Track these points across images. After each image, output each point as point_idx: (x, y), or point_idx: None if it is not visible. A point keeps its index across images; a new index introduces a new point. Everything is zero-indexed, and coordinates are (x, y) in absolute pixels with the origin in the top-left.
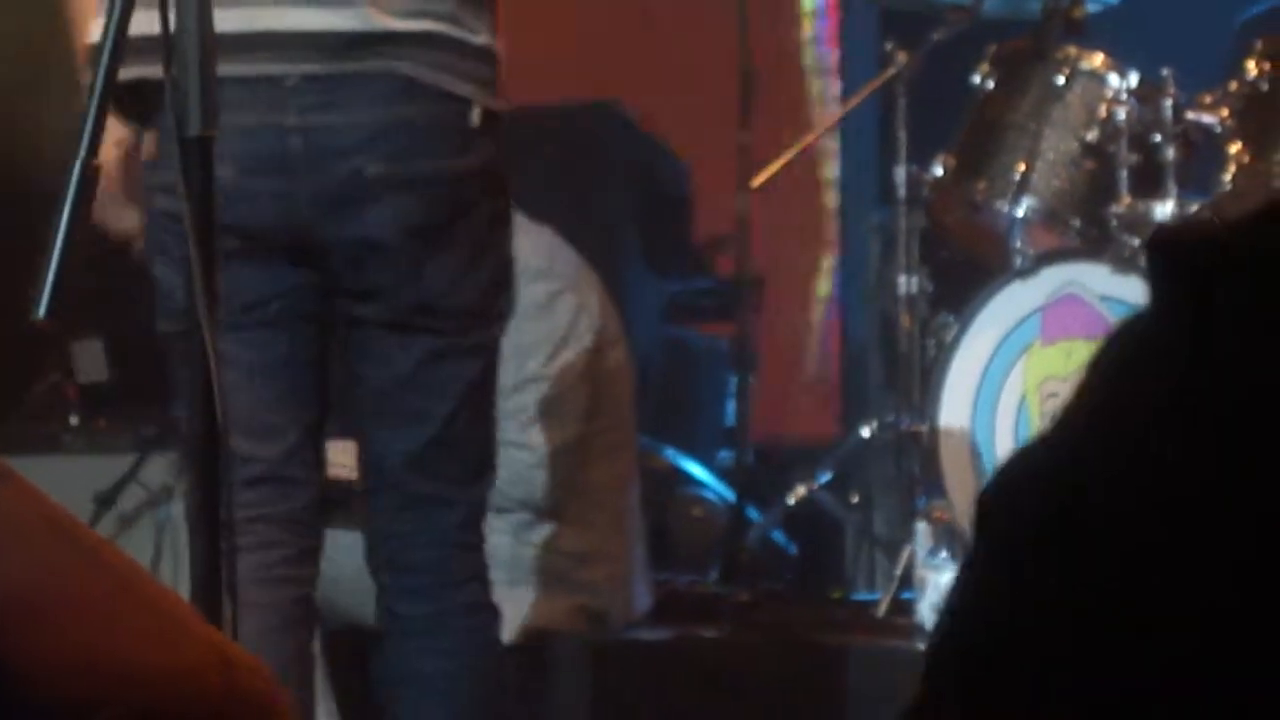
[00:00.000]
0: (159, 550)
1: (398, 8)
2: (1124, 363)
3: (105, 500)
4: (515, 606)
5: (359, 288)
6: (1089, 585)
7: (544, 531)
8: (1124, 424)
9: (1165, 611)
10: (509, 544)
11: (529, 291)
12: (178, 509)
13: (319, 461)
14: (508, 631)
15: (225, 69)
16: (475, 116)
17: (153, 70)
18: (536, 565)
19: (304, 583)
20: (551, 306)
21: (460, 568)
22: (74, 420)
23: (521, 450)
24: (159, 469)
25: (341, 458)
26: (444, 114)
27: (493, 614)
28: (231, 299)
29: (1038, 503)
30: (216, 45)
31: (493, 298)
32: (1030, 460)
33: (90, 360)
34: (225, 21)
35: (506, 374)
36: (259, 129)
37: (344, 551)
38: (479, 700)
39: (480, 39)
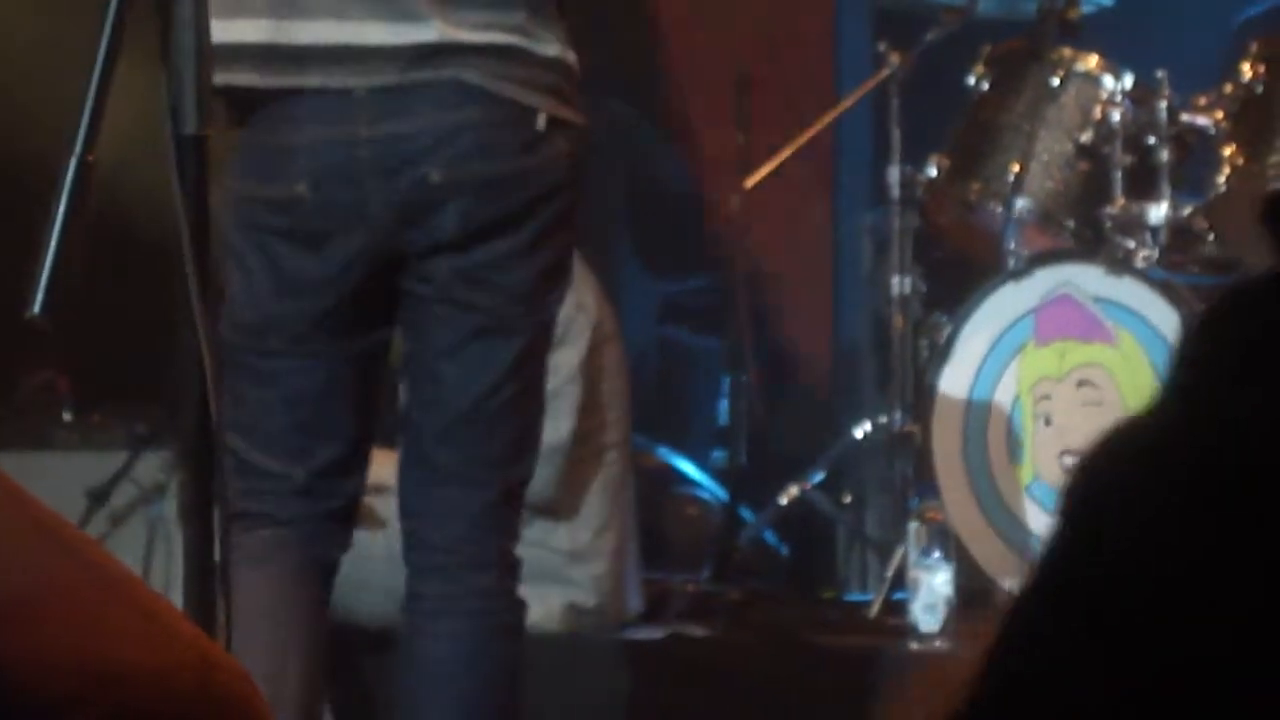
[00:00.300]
0: (151, 548)
1: (468, 21)
2: (1242, 329)
3: (98, 497)
4: None
5: (421, 274)
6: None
7: (538, 529)
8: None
9: None
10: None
11: None
12: (170, 506)
13: (359, 471)
14: None
15: (297, 81)
16: (540, 121)
17: (242, 77)
18: (529, 563)
19: (322, 586)
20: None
21: (481, 551)
22: (67, 416)
23: None
24: (152, 466)
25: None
26: (506, 118)
27: (512, 602)
28: (287, 322)
29: (1195, 462)
30: (211, 43)
31: (545, 286)
32: (1164, 426)
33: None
34: (302, 33)
35: None
36: (329, 142)
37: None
38: (484, 688)
39: (550, 50)
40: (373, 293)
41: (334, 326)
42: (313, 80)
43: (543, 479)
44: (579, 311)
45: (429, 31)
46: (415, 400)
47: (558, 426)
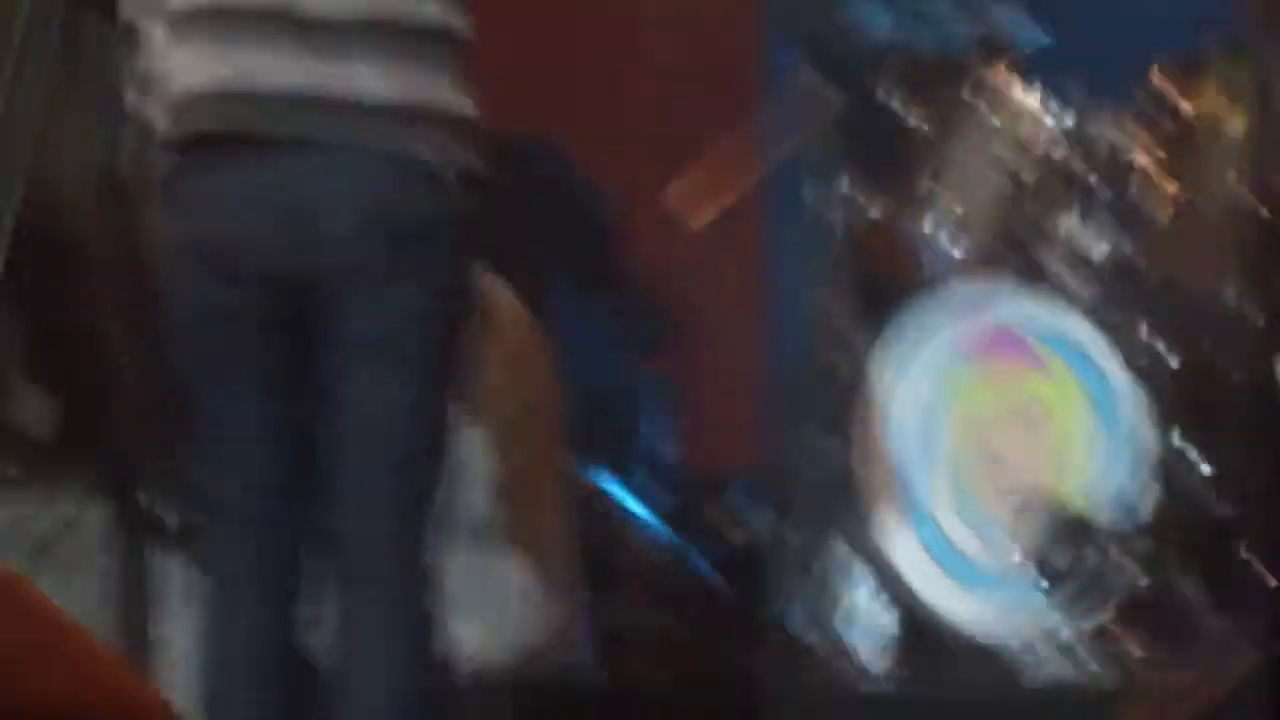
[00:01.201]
0: (103, 599)
1: (387, 82)
2: None
3: (43, 548)
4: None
5: (334, 331)
6: None
7: (483, 559)
8: None
9: None
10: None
11: None
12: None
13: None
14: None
15: (223, 125)
16: (450, 176)
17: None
18: (475, 596)
19: (289, 617)
20: (487, 336)
21: (404, 569)
22: (12, 472)
23: (463, 472)
24: (100, 518)
25: None
26: (423, 182)
27: (430, 620)
28: (234, 355)
29: None
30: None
31: (455, 336)
32: None
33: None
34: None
35: None
36: (250, 186)
37: None
38: (407, 704)
39: (461, 109)
40: (286, 343)
41: (254, 375)
42: (233, 125)
43: (491, 507)
44: (503, 338)
45: (348, 88)
46: (322, 427)
47: (507, 455)
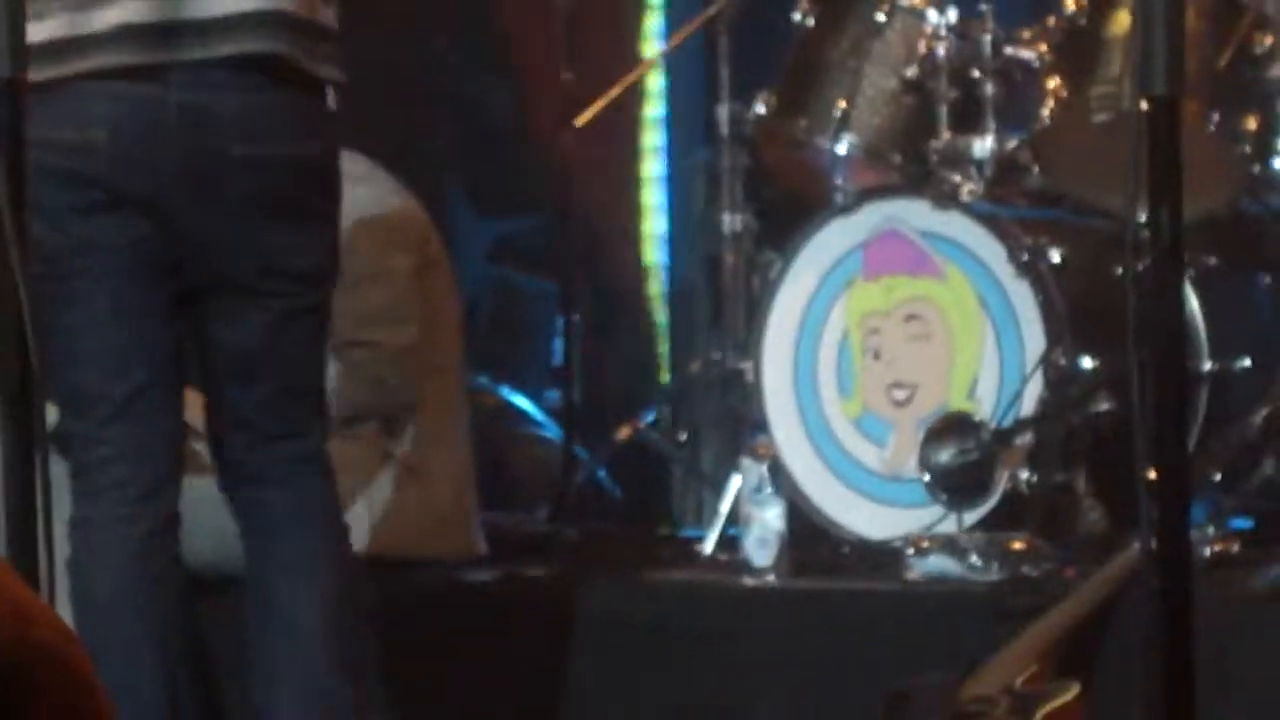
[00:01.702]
0: None
1: None
2: None
3: None
4: (358, 523)
5: (212, 256)
6: None
7: (390, 444)
8: None
9: None
10: (356, 452)
11: (352, 192)
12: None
13: (174, 405)
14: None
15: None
16: (331, 99)
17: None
18: (383, 479)
19: (158, 519)
20: (378, 207)
21: (310, 497)
22: None
23: (368, 349)
24: None
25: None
26: (304, 98)
27: (345, 530)
28: (91, 247)
29: None
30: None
31: (330, 262)
32: None
33: None
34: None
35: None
36: (135, 99)
37: (201, 498)
38: (343, 613)
39: (329, 19)
40: (156, 247)
41: (116, 264)
42: (125, 57)
43: (396, 384)
44: (409, 223)
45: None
46: (225, 380)
47: (404, 331)
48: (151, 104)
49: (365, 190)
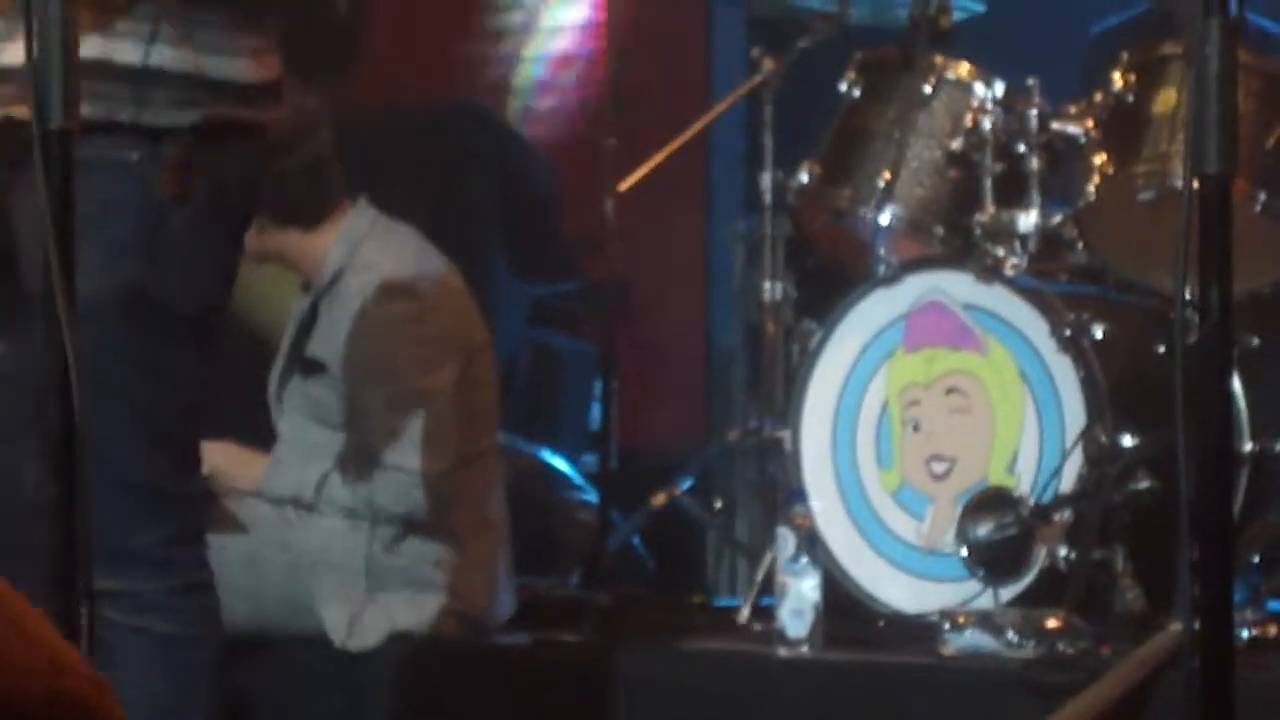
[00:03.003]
0: None
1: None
2: None
3: None
4: (382, 611)
5: None
6: None
7: (414, 543)
8: None
9: None
10: (379, 554)
11: (395, 307)
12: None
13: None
14: (374, 635)
15: None
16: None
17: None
18: (405, 573)
19: None
20: (421, 324)
21: (181, 555)
22: None
23: (401, 473)
24: None
25: (217, 458)
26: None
27: (213, 595)
28: None
29: None
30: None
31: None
32: None
33: None
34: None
35: (376, 393)
36: None
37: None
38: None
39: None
40: None
41: None
42: None
43: (427, 499)
44: (454, 329)
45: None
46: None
47: (441, 449)
48: None
49: (406, 305)
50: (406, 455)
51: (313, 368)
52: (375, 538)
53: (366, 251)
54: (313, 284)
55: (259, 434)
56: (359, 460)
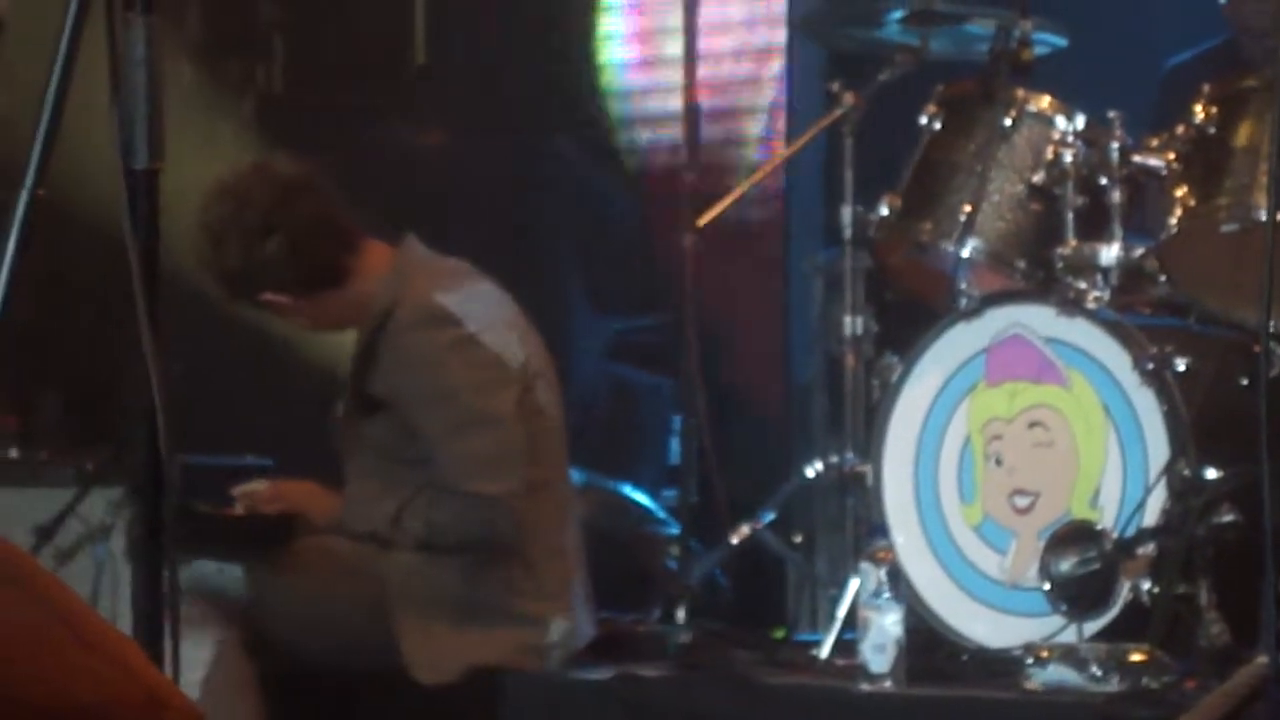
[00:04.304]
0: (97, 585)
1: None
2: None
3: (44, 534)
4: (463, 644)
5: None
6: None
7: (490, 572)
8: None
9: None
10: (457, 585)
11: (442, 334)
12: (117, 545)
13: None
14: (454, 668)
15: None
16: None
17: None
18: (482, 604)
19: None
20: (470, 348)
21: None
22: (13, 453)
23: (472, 497)
24: (99, 503)
25: (298, 497)
26: None
27: None
28: None
29: None
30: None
31: None
32: None
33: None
34: None
35: (434, 421)
36: None
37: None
38: None
39: None
40: None
41: None
42: None
43: (509, 522)
44: (506, 352)
45: None
46: None
47: (510, 471)
48: None
49: (454, 331)
50: (475, 480)
51: (374, 406)
52: (452, 568)
53: (415, 285)
54: (363, 327)
55: (338, 475)
56: (430, 490)
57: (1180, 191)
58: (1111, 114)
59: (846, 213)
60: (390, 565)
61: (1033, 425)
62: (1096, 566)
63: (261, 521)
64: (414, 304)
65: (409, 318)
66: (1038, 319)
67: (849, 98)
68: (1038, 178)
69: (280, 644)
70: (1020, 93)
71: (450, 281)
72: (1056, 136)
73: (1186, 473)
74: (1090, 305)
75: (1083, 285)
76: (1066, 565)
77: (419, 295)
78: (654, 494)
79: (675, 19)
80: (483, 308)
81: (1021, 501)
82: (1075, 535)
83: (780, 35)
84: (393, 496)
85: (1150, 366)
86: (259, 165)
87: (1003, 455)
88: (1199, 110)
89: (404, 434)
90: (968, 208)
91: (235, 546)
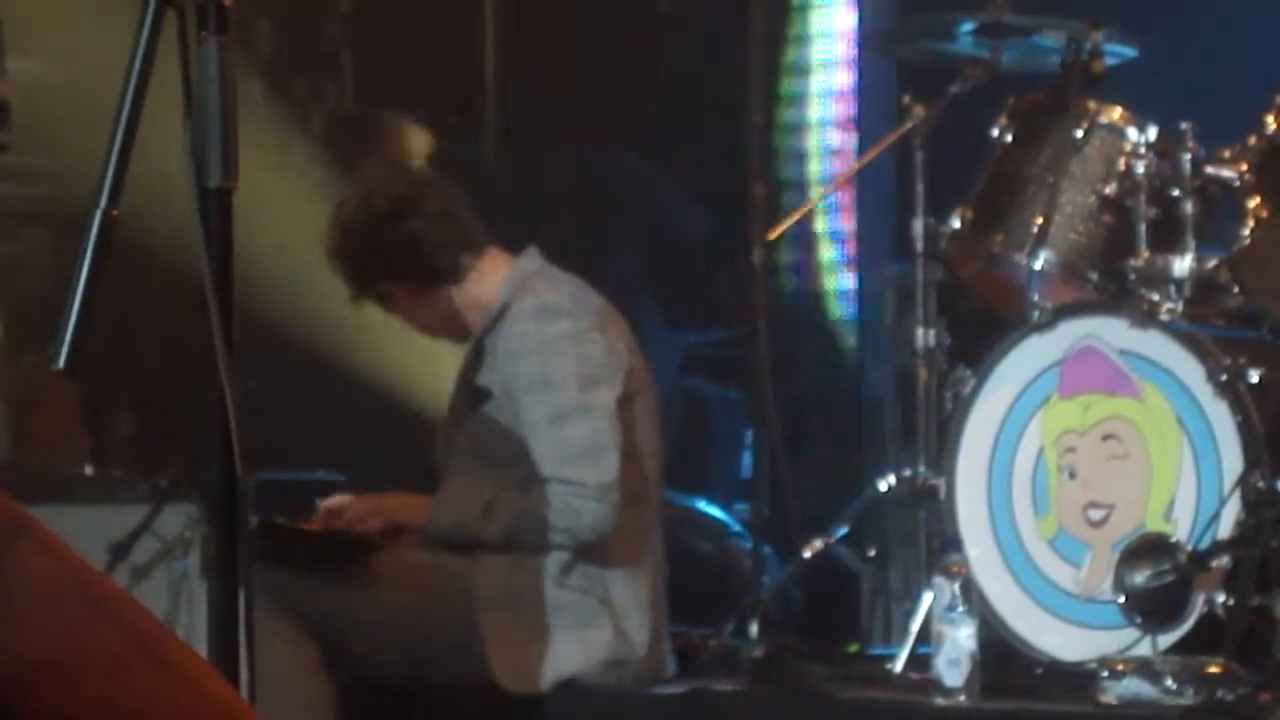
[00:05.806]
0: (174, 602)
1: None
2: None
3: (119, 551)
4: (551, 653)
5: None
6: None
7: (582, 573)
8: None
9: None
10: (549, 587)
11: (554, 326)
12: (193, 561)
13: None
14: (542, 678)
15: None
16: None
17: None
18: (573, 609)
19: None
20: (579, 342)
21: None
22: (88, 470)
23: (566, 485)
24: (174, 520)
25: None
26: None
27: None
28: None
29: None
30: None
31: None
32: None
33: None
34: None
35: (536, 408)
36: None
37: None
38: None
39: None
40: None
41: None
42: None
43: (600, 515)
44: (612, 354)
45: None
46: None
47: (605, 466)
48: None
49: (567, 324)
50: (569, 467)
51: (480, 397)
52: (544, 570)
53: (531, 286)
54: (475, 329)
55: (409, 489)
56: (524, 481)
57: (1253, 203)
58: (1184, 125)
59: (918, 225)
60: (477, 573)
61: (1106, 438)
62: (1171, 579)
63: (340, 535)
64: (528, 299)
65: (523, 311)
66: (1111, 331)
67: (920, 110)
68: (1110, 189)
69: (361, 658)
70: (1092, 104)
71: (566, 287)
72: (1128, 148)
73: (1261, 484)
74: (1164, 317)
75: (1156, 297)
76: (1141, 578)
77: (534, 291)
78: (726, 507)
79: None
80: (592, 311)
81: (1096, 514)
82: (1150, 548)
83: (851, 48)
84: (483, 491)
85: (1224, 378)
86: (393, 163)
87: (1076, 468)
88: (1270, 120)
89: (505, 429)
90: (1040, 220)
91: (314, 560)
